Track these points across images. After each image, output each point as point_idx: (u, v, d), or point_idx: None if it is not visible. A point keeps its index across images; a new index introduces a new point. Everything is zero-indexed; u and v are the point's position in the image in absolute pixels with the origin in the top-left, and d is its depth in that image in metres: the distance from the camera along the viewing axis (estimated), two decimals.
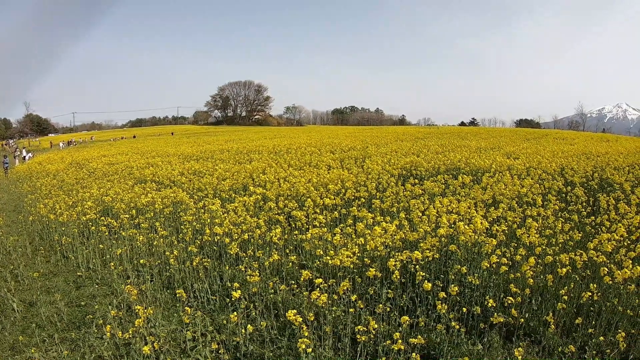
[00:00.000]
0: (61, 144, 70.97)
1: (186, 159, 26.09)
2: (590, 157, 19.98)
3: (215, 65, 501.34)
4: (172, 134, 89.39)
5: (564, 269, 6.53)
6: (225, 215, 9.86)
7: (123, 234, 10.07)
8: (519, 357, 5.05)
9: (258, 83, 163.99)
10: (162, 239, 9.27)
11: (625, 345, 5.49)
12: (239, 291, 6.20)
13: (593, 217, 9.66)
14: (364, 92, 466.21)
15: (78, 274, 9.24)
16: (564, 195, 12.02)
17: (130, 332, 5.75)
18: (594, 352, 5.78)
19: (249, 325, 5.79)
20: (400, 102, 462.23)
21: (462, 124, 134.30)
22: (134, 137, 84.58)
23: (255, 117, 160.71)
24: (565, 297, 6.21)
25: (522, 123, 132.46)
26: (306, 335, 5.15)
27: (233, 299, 6.39)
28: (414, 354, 5.08)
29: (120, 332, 5.90)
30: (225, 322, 6.52)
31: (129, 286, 6.66)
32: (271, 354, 5.90)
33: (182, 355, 5.96)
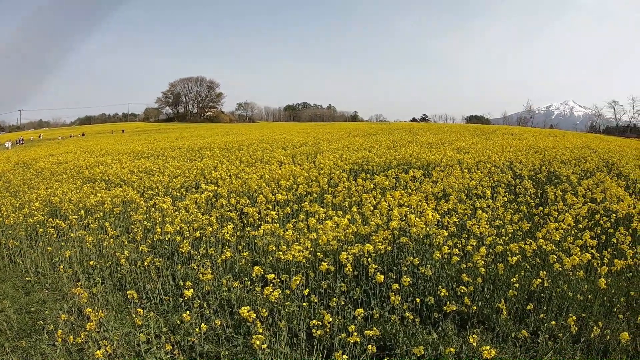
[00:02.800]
0: (8, 143, 67.97)
1: (136, 157, 25.62)
2: (538, 151, 20.59)
3: (164, 61, 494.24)
4: (123, 131, 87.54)
5: (515, 258, 6.73)
6: (177, 213, 9.72)
7: (72, 235, 9.76)
8: (474, 344, 5.14)
9: (210, 79, 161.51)
10: (112, 240, 9.04)
11: (576, 329, 5.66)
12: (192, 290, 6.12)
13: (541, 208, 9.96)
14: (316, 88, 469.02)
15: (27, 278, 8.91)
16: (512, 187, 12.35)
17: (83, 337, 5.58)
18: (547, 336, 5.95)
19: (202, 325, 5.71)
20: (352, 99, 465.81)
21: (414, 120, 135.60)
22: (83, 135, 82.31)
23: (207, 113, 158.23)
24: (517, 285, 6.40)
25: (472, 119, 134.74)
26: (260, 331, 5.10)
27: (186, 298, 6.27)
28: (369, 345, 5.12)
29: (72, 338, 5.71)
30: (179, 322, 6.41)
31: (78, 289, 6.48)
32: (227, 353, 5.83)
33: (136, 359, 5.84)
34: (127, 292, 6.48)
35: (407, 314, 5.87)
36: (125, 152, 29.21)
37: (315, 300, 6.37)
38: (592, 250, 7.13)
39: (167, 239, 8.82)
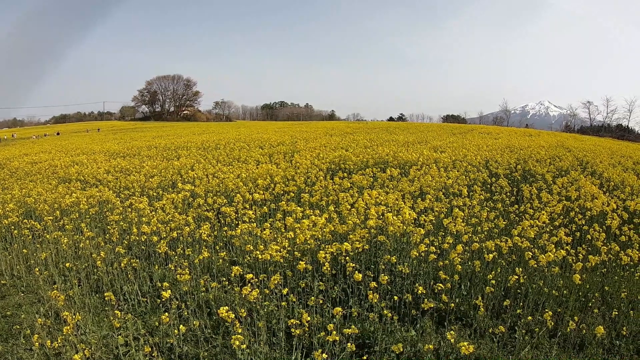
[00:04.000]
0: None
1: (112, 156, 25.27)
2: (513, 150, 20.85)
3: (140, 59, 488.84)
4: (99, 130, 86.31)
5: (491, 255, 6.83)
6: (153, 213, 9.65)
7: (47, 237, 9.60)
8: (452, 340, 5.19)
9: (187, 77, 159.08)
10: (88, 241, 8.93)
11: (552, 323, 5.77)
12: (169, 291, 6.08)
13: (517, 206, 10.08)
14: (293, 87, 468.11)
15: (2, 282, 8.74)
16: (488, 186, 12.48)
17: (60, 341, 5.50)
18: (524, 331, 6.06)
19: (181, 326, 5.67)
20: (329, 98, 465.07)
21: (391, 119, 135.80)
22: (58, 133, 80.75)
23: (184, 112, 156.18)
24: (493, 281, 6.48)
25: (449, 118, 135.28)
26: (239, 331, 5.09)
27: (164, 300, 6.22)
28: (349, 344, 5.14)
29: (50, 342, 5.62)
30: (157, 323, 6.37)
31: (55, 292, 6.40)
32: (206, 354, 5.82)
33: None
34: (104, 294, 6.42)
35: (385, 311, 5.90)
36: (101, 152, 28.84)
37: (294, 300, 6.39)
38: (567, 247, 7.30)
39: (143, 239, 8.73)
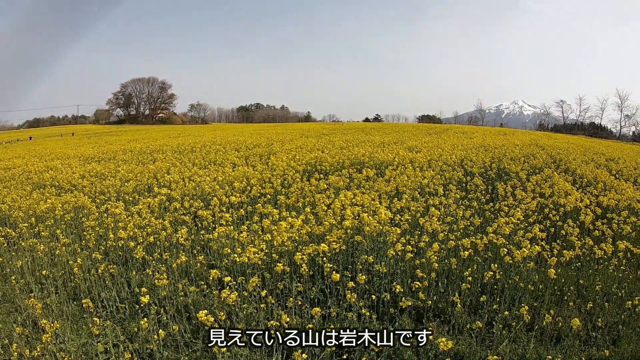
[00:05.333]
0: None
1: (87, 161, 24.87)
2: (488, 149, 20.99)
3: (114, 62, 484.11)
4: (73, 134, 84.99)
5: (466, 252, 6.90)
6: (130, 218, 9.57)
7: (23, 244, 9.47)
8: (431, 337, 5.24)
9: (162, 80, 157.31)
10: (64, 248, 8.83)
11: (529, 317, 5.92)
12: (148, 296, 6.06)
13: (492, 204, 10.19)
14: (269, 89, 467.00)
15: None
16: (464, 184, 12.58)
17: (39, 350, 5.45)
18: (501, 326, 6.17)
19: (161, 331, 5.66)
20: (305, 99, 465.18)
21: (367, 120, 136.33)
22: (30, 138, 79.56)
23: (159, 115, 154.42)
24: (470, 278, 6.54)
25: (424, 119, 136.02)
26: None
27: (142, 305, 6.19)
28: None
29: (28, 351, 5.56)
30: (136, 329, 6.32)
31: (32, 300, 6.33)
32: (187, 358, 5.81)
33: None
34: (82, 301, 6.36)
35: (363, 310, 5.96)
36: (76, 156, 28.41)
37: (273, 301, 6.39)
38: (542, 243, 7.43)
39: (120, 245, 8.68)
